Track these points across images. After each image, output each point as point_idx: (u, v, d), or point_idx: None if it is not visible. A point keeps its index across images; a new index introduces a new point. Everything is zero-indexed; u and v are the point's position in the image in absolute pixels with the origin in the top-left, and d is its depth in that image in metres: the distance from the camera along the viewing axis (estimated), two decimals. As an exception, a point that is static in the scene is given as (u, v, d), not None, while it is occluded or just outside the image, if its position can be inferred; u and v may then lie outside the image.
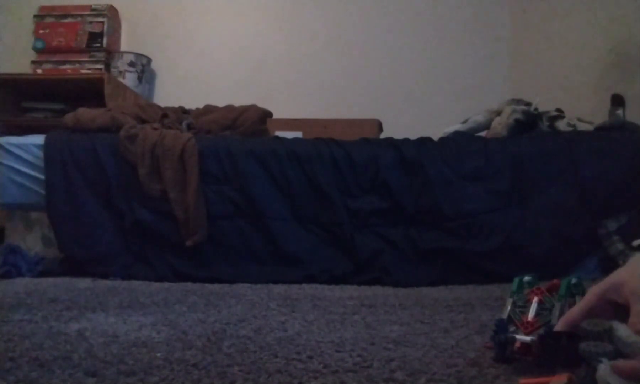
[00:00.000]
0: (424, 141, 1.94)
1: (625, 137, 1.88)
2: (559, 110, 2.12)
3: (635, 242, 1.65)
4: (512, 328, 0.69)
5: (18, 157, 1.91)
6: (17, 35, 3.35)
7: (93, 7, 3.20)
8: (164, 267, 1.77)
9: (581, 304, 0.59)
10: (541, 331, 0.64)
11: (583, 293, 0.70)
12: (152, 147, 1.83)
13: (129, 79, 3.15)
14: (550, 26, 2.91)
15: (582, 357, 0.50)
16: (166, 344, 0.81)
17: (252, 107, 2.24)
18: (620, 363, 0.46)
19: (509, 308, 0.72)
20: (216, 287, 1.54)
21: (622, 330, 0.49)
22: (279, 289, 1.51)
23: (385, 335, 0.89)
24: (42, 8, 3.23)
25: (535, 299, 0.71)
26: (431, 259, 1.75)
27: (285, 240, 1.79)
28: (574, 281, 0.72)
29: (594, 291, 0.60)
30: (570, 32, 2.72)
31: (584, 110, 2.30)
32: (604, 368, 0.46)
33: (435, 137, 2.00)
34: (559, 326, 0.59)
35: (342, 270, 1.74)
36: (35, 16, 3.19)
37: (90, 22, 3.17)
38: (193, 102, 2.47)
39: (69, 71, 3.11)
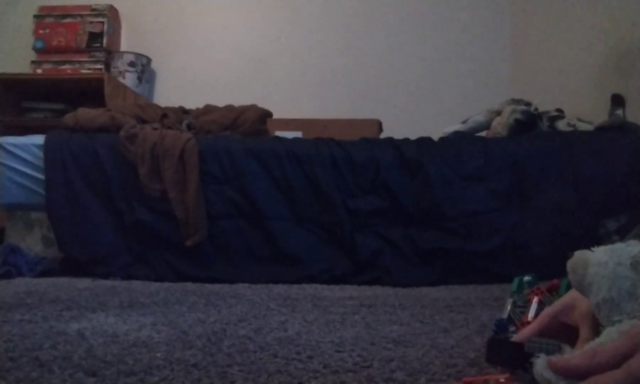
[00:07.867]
0: (424, 141, 1.94)
1: (625, 137, 1.87)
2: (559, 110, 2.12)
3: None
4: (512, 328, 0.69)
5: (18, 157, 1.91)
6: (17, 35, 3.35)
7: (93, 7, 3.20)
8: (164, 267, 1.77)
9: (534, 324, 0.60)
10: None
11: None
12: (152, 147, 1.83)
13: (129, 79, 3.15)
14: (550, 26, 2.91)
15: (528, 356, 0.51)
16: (166, 344, 0.81)
17: (252, 107, 2.24)
18: (555, 358, 0.47)
19: (509, 307, 0.73)
20: (216, 287, 1.53)
21: (567, 353, 0.50)
22: (279, 289, 1.50)
23: (385, 335, 0.88)
24: (42, 8, 3.23)
25: (535, 299, 0.71)
26: (431, 259, 1.75)
27: (285, 240, 1.79)
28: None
29: (546, 311, 0.60)
30: (570, 33, 2.72)
31: (584, 110, 2.30)
32: (539, 363, 0.48)
33: (435, 137, 2.00)
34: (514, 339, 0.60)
35: (342, 270, 1.74)
36: (35, 16, 3.19)
37: (90, 22, 3.17)
38: (193, 102, 2.47)
39: (69, 71, 3.11)
